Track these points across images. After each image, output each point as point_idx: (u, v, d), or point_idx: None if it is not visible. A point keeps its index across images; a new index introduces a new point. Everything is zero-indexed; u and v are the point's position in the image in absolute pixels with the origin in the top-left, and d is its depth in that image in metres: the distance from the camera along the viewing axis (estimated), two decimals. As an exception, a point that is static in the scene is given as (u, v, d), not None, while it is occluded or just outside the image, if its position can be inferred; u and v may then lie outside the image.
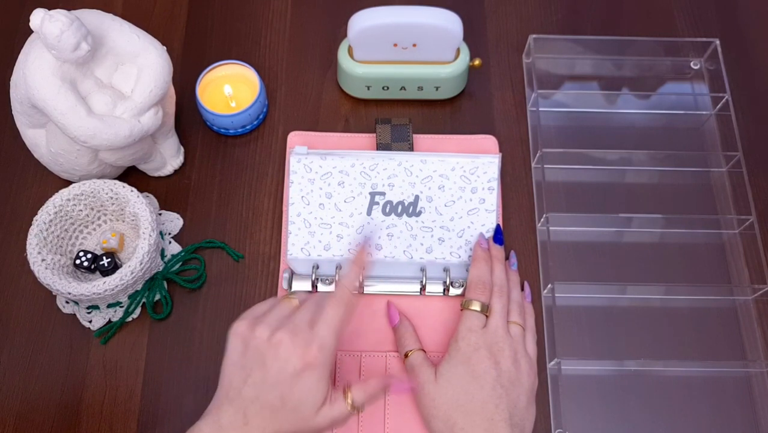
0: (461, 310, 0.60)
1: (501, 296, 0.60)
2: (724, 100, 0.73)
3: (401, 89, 0.73)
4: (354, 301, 0.55)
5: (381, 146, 0.70)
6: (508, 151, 0.72)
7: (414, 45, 0.68)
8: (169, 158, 0.70)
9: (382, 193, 0.66)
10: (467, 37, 0.71)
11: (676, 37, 0.79)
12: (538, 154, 0.70)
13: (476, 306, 0.59)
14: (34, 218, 0.62)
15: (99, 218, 0.66)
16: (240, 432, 0.51)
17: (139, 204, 0.63)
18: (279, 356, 0.51)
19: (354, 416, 0.54)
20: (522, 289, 0.65)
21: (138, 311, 0.64)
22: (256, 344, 0.52)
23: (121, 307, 0.64)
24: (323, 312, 0.53)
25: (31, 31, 0.57)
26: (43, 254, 0.61)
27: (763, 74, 0.77)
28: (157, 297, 0.65)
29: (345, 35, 0.69)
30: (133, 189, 0.64)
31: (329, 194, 0.66)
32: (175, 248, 0.67)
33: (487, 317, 0.59)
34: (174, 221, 0.68)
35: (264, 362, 0.52)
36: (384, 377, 0.56)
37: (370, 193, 0.66)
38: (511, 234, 0.69)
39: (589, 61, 0.78)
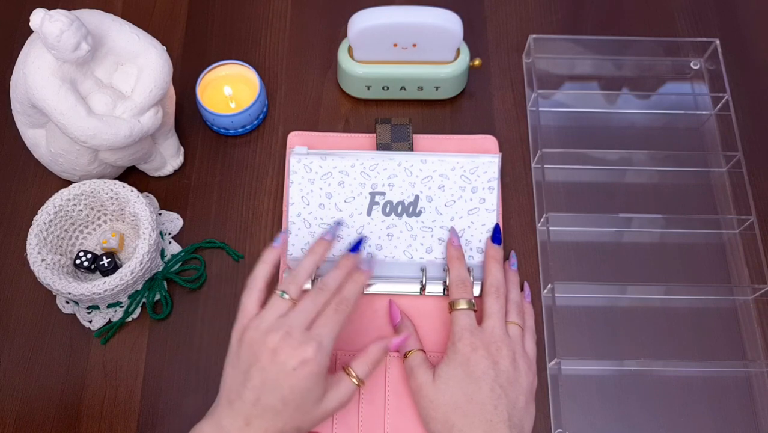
0: (450, 312, 0.60)
1: (498, 297, 0.60)
2: (724, 100, 0.73)
3: (401, 89, 0.73)
4: (353, 306, 0.56)
5: (381, 146, 0.70)
6: (508, 151, 0.72)
7: (414, 45, 0.68)
8: (169, 158, 0.70)
9: (382, 194, 0.66)
10: (467, 37, 0.71)
11: (676, 37, 0.79)
12: (538, 154, 0.70)
13: (463, 304, 0.60)
14: (34, 218, 0.62)
15: (99, 218, 0.66)
16: None
17: (139, 204, 0.63)
18: (277, 359, 0.52)
19: (359, 389, 0.55)
20: (522, 289, 0.65)
21: (138, 311, 0.64)
22: (252, 346, 0.53)
23: (121, 307, 0.64)
24: (325, 315, 0.54)
25: (31, 31, 0.57)
26: (43, 254, 0.61)
27: (763, 74, 0.77)
28: (157, 297, 0.65)
29: (345, 35, 0.69)
30: (133, 189, 0.64)
31: (329, 194, 0.66)
32: (175, 248, 0.67)
33: (475, 311, 0.59)
34: (174, 221, 0.68)
35: (262, 366, 0.52)
36: (378, 342, 0.57)
37: (370, 194, 0.66)
38: (511, 234, 0.69)
39: (589, 61, 0.78)
